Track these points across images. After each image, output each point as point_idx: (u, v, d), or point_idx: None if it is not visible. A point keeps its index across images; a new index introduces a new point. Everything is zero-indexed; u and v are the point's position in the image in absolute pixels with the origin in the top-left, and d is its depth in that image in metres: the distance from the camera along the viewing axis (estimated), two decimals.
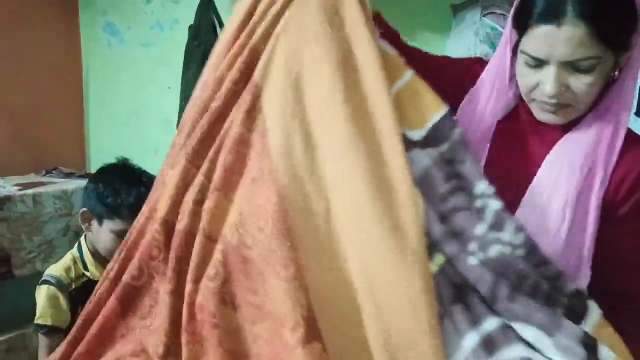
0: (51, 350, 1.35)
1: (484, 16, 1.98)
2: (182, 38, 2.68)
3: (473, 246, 0.82)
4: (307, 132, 0.84)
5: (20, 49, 2.75)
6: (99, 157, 3.07)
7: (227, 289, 0.82)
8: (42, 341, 1.47)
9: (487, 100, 0.99)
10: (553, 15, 0.82)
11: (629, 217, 0.91)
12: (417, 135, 0.88)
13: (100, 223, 1.48)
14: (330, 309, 0.78)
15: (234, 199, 0.86)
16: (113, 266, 0.96)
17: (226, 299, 0.82)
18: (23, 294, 1.62)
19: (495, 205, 0.83)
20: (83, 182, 2.36)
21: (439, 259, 0.82)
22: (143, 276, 0.90)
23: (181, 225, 0.87)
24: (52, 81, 2.91)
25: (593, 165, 0.90)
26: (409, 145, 0.85)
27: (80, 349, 0.91)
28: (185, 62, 2.66)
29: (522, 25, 0.88)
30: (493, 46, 1.96)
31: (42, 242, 2.17)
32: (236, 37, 0.96)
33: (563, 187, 0.90)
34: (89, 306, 0.97)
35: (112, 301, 0.91)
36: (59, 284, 1.47)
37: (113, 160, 2.90)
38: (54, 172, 2.69)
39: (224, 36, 1.00)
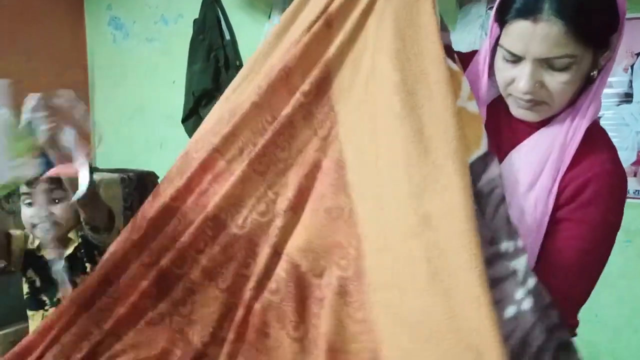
0: None
1: (490, 9, 1.98)
2: (186, 32, 2.68)
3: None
4: (378, 169, 0.83)
5: (26, 44, 2.76)
6: (104, 151, 3.09)
7: (285, 307, 0.86)
8: None
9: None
10: (530, 11, 0.81)
11: (564, 220, 0.89)
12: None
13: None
14: None
15: (303, 221, 0.89)
16: (144, 250, 0.95)
17: (280, 316, 0.85)
18: None
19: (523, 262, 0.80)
20: None
21: None
22: (185, 265, 0.92)
23: (242, 231, 0.90)
24: (57, 76, 2.92)
25: (547, 165, 0.89)
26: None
27: (108, 327, 0.92)
28: (190, 56, 2.66)
29: (502, 20, 0.87)
30: None
31: None
32: (302, 35, 0.91)
33: (520, 185, 0.89)
34: (115, 287, 0.95)
35: (146, 284, 0.92)
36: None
37: (119, 155, 2.95)
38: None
39: (283, 25, 0.96)
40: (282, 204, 0.89)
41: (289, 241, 0.88)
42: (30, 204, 1.34)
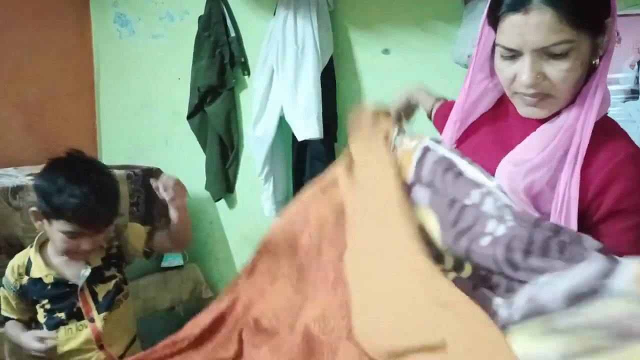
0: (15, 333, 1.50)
1: None
2: (191, 28, 2.69)
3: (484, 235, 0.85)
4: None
5: (31, 41, 2.77)
6: (111, 147, 3.10)
7: None
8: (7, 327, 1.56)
9: (465, 96, 1.01)
10: (520, 3, 0.82)
11: (602, 222, 0.86)
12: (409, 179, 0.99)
13: (50, 222, 1.42)
14: None
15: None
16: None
17: None
18: None
19: (498, 198, 0.87)
20: None
21: (468, 268, 0.87)
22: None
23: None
24: (63, 72, 2.94)
25: (563, 156, 0.87)
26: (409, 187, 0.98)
27: None
28: (195, 53, 2.67)
29: (495, 19, 0.87)
30: None
31: None
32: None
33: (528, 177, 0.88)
34: None
35: None
36: (8, 284, 1.52)
37: (125, 151, 2.96)
38: None
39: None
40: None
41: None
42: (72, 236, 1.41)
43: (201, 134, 2.75)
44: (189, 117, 2.73)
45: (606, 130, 0.90)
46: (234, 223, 2.80)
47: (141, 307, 2.36)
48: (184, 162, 2.84)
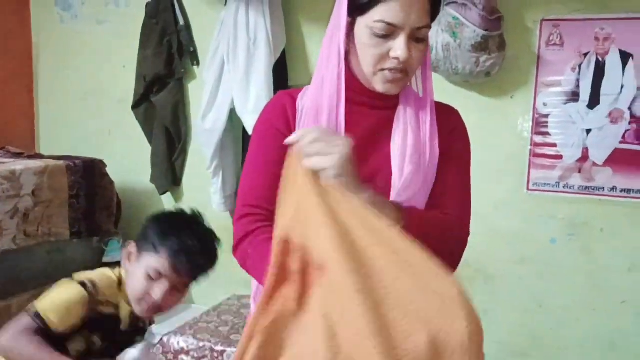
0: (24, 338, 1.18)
1: (446, 5, 2.00)
2: (138, 15, 2.59)
3: None
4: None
5: None
6: (50, 136, 2.96)
7: None
8: (21, 324, 1.20)
9: (329, 94, 1.00)
10: None
11: (445, 157, 1.04)
12: None
13: (139, 257, 1.29)
14: None
15: None
16: None
17: None
18: None
19: None
20: (32, 162, 2.27)
21: None
22: None
23: None
24: (0, 57, 2.77)
25: (424, 133, 1.03)
26: None
27: None
28: (142, 40, 2.58)
29: (363, 5, 0.95)
30: (454, 35, 1.98)
31: None
32: None
33: (410, 149, 1.01)
34: None
35: None
36: (90, 293, 1.25)
37: (65, 140, 2.83)
38: (1, 151, 2.57)
39: None
40: None
41: None
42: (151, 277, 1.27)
43: (147, 124, 2.66)
44: (134, 107, 2.64)
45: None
46: None
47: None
48: (128, 153, 2.75)
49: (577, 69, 2.11)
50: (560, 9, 2.11)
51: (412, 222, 0.92)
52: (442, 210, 1.02)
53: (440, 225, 0.99)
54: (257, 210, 1.01)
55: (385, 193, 0.98)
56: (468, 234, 1.04)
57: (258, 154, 1.05)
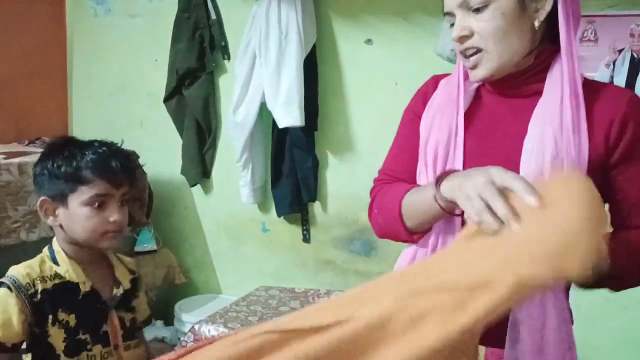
0: None
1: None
2: (170, 9, 2.63)
3: None
4: None
5: (2, 17, 2.67)
6: (82, 127, 3.02)
7: None
8: None
9: (448, 96, 1.03)
10: None
11: (628, 157, 0.93)
12: None
13: (66, 204, 1.22)
14: None
15: None
16: None
17: None
18: (7, 264, 1.55)
19: None
20: None
21: None
22: None
23: None
24: (35, 50, 2.84)
25: (566, 125, 0.91)
26: None
27: None
28: (174, 34, 2.62)
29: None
30: None
31: (26, 211, 2.13)
32: None
33: (549, 150, 0.91)
34: None
35: None
36: (15, 285, 1.16)
37: (97, 132, 2.87)
38: (36, 141, 2.64)
39: None
40: None
41: None
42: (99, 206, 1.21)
43: (178, 117, 2.71)
44: (165, 100, 2.69)
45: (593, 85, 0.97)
46: (209, 209, 2.78)
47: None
48: (159, 146, 2.80)
49: (612, 66, 2.09)
50: (594, 5, 2.09)
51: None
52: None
53: None
54: (385, 177, 1.10)
55: None
56: None
57: (399, 135, 1.14)
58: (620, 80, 2.07)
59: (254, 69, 2.36)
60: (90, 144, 1.26)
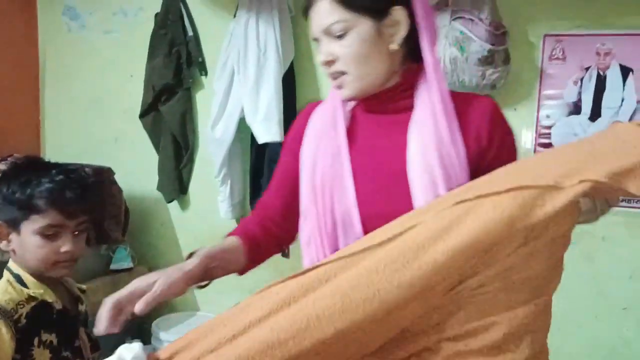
0: None
1: (453, 20, 2.05)
2: (146, 25, 2.63)
3: None
4: None
5: None
6: (56, 144, 2.98)
7: None
8: None
9: (327, 120, 1.08)
10: (308, 2, 1.00)
11: (498, 157, 1.00)
12: None
13: (18, 230, 1.20)
14: None
15: None
16: None
17: None
18: None
19: None
20: None
21: None
22: None
23: None
24: (6, 65, 2.79)
25: (444, 135, 0.97)
26: None
27: None
28: (150, 50, 2.61)
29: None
30: (462, 49, 2.04)
31: None
32: None
33: (432, 159, 0.96)
34: None
35: None
36: (2, 312, 1.14)
37: (71, 149, 2.84)
38: (8, 159, 2.58)
39: None
40: None
41: None
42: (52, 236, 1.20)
43: (154, 133, 2.69)
44: (141, 116, 2.67)
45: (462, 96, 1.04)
46: (187, 225, 2.76)
47: (90, 311, 2.27)
48: (135, 162, 2.77)
49: (579, 83, 2.18)
50: (562, 25, 2.18)
51: None
52: None
53: None
54: (257, 209, 1.21)
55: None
56: None
57: (276, 169, 1.21)
58: (588, 97, 2.16)
59: (232, 86, 2.37)
60: (50, 170, 1.24)
